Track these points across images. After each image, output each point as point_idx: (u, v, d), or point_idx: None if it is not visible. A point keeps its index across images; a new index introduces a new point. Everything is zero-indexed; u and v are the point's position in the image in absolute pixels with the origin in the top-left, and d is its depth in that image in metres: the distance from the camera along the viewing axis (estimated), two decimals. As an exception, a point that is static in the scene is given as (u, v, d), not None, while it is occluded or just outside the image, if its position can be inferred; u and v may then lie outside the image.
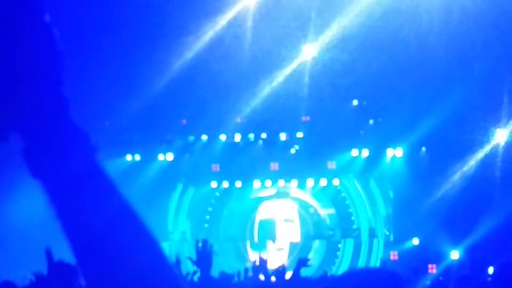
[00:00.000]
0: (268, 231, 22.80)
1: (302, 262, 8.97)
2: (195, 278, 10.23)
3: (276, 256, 21.49)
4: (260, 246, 22.45)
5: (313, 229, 22.75)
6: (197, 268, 10.25)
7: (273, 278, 8.45)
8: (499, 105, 18.37)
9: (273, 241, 22.64)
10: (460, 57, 17.58)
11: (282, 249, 22.40)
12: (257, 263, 7.82)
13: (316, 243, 22.64)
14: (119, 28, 17.41)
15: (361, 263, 21.28)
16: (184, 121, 21.06)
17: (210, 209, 23.13)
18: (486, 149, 19.13)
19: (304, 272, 10.59)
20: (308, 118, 20.95)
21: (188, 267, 11.52)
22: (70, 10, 15.76)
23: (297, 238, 22.64)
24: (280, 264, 8.65)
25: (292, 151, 21.91)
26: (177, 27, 17.29)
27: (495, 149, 19.26)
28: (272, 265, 7.78)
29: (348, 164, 21.63)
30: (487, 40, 17.26)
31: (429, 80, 18.38)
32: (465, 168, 19.07)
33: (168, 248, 22.15)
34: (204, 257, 10.22)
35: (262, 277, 8.46)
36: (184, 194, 22.90)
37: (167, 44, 17.64)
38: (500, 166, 19.06)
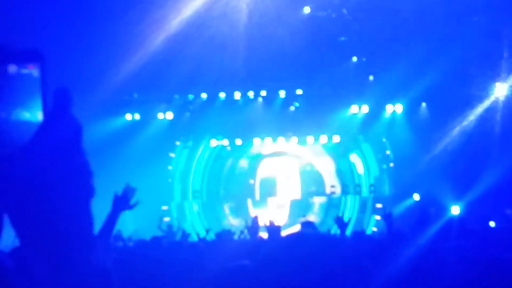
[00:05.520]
0: (268, 188, 22.83)
1: (307, 225, 8.87)
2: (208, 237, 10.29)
3: (277, 213, 21.58)
4: (261, 204, 22.51)
5: (313, 186, 22.77)
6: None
7: (264, 235, 8.39)
8: (498, 60, 18.23)
9: (274, 198, 22.67)
10: (459, 12, 17.38)
11: (282, 206, 22.45)
12: (250, 223, 7.73)
13: (317, 200, 22.68)
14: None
15: (363, 219, 21.35)
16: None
17: (210, 167, 23.14)
18: (486, 103, 19.06)
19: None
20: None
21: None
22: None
23: (297, 195, 22.68)
24: (279, 221, 8.60)
25: (292, 108, 21.82)
26: None
27: (494, 103, 19.19)
28: (273, 222, 7.76)
29: (348, 121, 21.57)
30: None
31: (428, 35, 18.20)
32: (465, 123, 19.02)
33: (173, 207, 22.23)
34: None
35: (264, 235, 8.41)
36: (184, 153, 22.89)
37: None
38: (499, 120, 19.00)
